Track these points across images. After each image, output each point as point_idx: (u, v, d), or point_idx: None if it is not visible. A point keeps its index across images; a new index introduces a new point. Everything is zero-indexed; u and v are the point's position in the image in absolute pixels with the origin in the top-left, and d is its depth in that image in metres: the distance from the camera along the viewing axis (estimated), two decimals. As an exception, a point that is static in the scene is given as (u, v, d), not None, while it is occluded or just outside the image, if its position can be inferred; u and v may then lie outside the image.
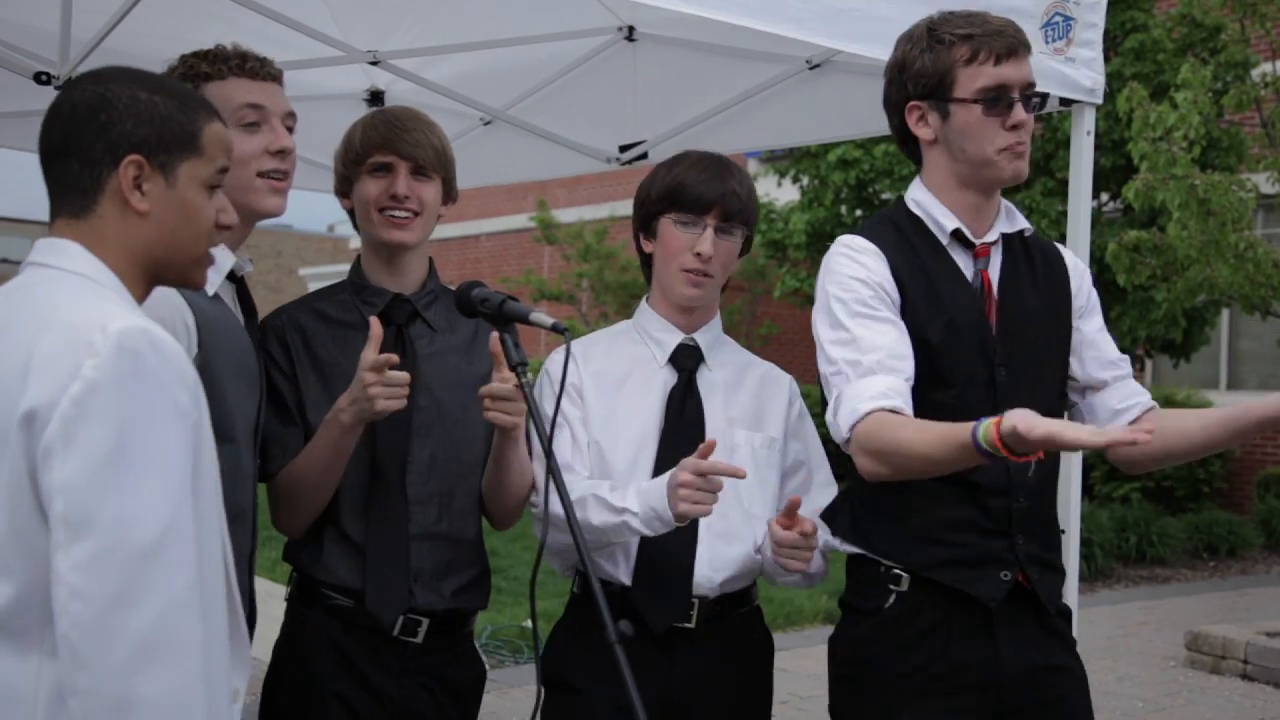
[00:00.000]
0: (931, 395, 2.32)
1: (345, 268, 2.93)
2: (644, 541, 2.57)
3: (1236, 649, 7.19)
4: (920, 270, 2.40)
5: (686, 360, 2.71)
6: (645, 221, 2.72)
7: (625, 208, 4.12)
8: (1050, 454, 2.48)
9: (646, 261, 2.77)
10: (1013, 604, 2.39)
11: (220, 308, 2.30)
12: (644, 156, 4.26)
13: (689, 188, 2.63)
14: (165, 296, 1.97)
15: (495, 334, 2.38)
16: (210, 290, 2.26)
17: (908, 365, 2.30)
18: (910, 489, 2.36)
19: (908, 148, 2.50)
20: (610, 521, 2.50)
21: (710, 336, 2.75)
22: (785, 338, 14.82)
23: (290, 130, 2.43)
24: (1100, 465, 11.41)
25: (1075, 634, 2.61)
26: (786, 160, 12.70)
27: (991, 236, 2.46)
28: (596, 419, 2.66)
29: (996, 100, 2.34)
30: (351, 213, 2.73)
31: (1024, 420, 1.96)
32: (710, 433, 2.65)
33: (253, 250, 2.48)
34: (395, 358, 2.41)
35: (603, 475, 2.64)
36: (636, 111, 4.17)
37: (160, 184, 1.77)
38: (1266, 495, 11.60)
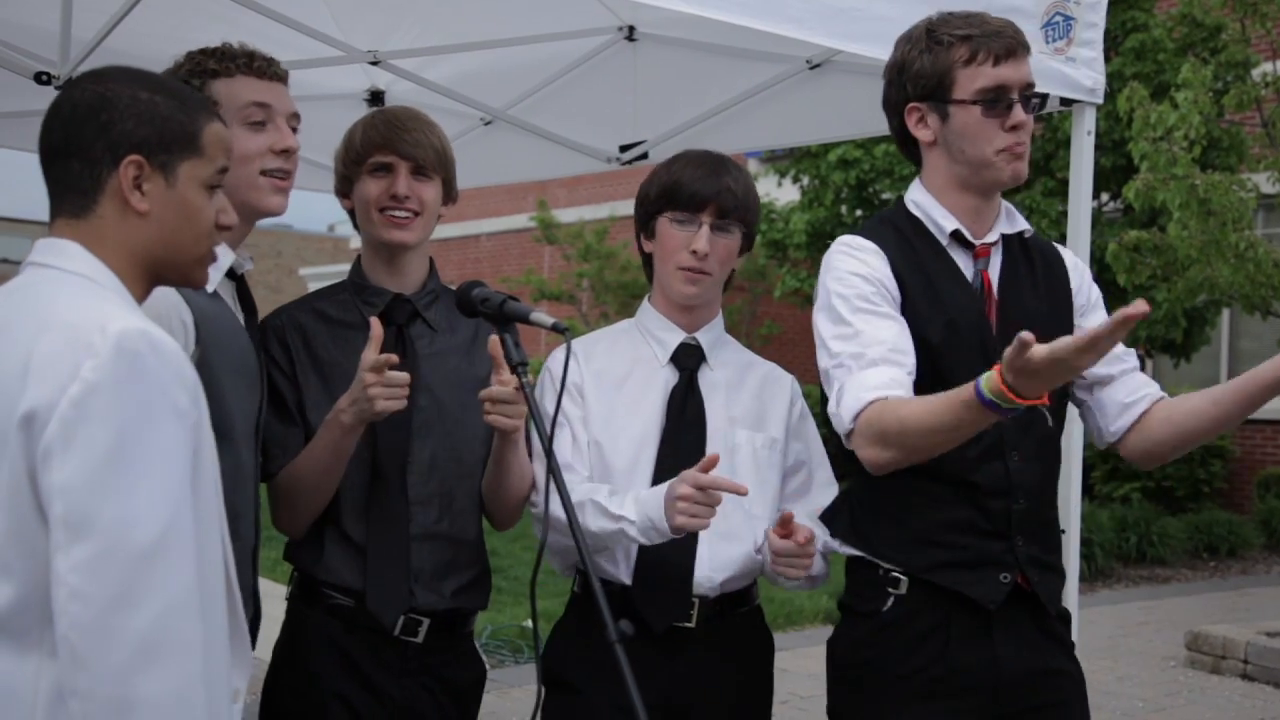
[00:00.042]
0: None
1: (345, 267, 2.93)
2: (644, 541, 2.57)
3: (1237, 649, 7.19)
4: (920, 271, 2.40)
5: (688, 359, 2.71)
6: (644, 221, 2.73)
7: (625, 208, 4.12)
8: (1050, 449, 2.48)
9: (648, 261, 2.77)
10: (1012, 606, 2.38)
11: (219, 305, 2.30)
12: (644, 156, 4.26)
13: (684, 186, 2.64)
14: (162, 294, 1.97)
15: (494, 337, 2.38)
16: (209, 288, 2.26)
17: (910, 360, 2.30)
18: (909, 490, 2.36)
19: (908, 149, 2.50)
20: (607, 528, 2.50)
21: (712, 336, 2.75)
22: (786, 338, 14.82)
23: (294, 131, 2.44)
24: (1101, 465, 11.41)
25: (1075, 635, 2.61)
26: (787, 160, 12.70)
27: (991, 237, 2.45)
28: (597, 418, 2.66)
29: (996, 101, 2.34)
30: (352, 213, 2.73)
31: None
32: (711, 432, 2.66)
33: (253, 250, 2.49)
34: (395, 358, 2.42)
35: (603, 474, 2.64)
36: (637, 111, 4.17)
37: (160, 184, 1.77)
38: (1267, 495, 11.60)
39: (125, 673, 1.54)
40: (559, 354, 2.46)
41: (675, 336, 2.72)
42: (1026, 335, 1.96)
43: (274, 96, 2.41)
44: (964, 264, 2.43)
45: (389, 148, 2.62)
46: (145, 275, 1.80)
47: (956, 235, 2.43)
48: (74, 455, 1.56)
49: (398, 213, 2.62)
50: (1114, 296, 10.19)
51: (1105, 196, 11.04)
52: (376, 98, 4.26)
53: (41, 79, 3.57)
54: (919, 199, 2.46)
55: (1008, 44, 2.35)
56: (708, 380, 2.71)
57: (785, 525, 2.47)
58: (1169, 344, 10.90)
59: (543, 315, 2.27)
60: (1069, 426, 2.61)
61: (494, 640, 7.07)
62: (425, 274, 2.73)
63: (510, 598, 7.82)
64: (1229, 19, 9.68)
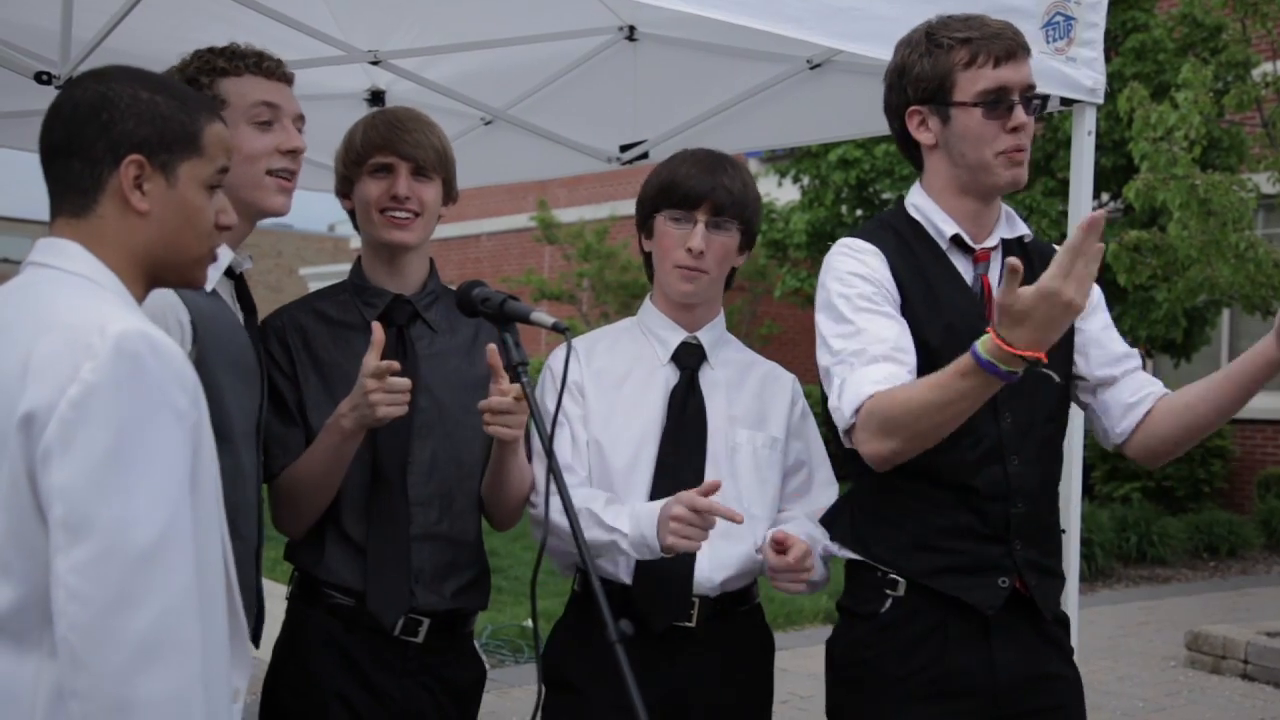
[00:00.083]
0: None
1: (346, 267, 2.93)
2: (644, 541, 2.57)
3: (1237, 649, 7.19)
4: (920, 274, 2.40)
5: (689, 358, 2.71)
6: (643, 220, 2.73)
7: (626, 207, 4.13)
8: (1050, 453, 2.48)
9: (648, 260, 2.77)
10: (1010, 610, 2.38)
11: (218, 305, 2.31)
12: (645, 156, 4.26)
13: (679, 184, 2.64)
14: (159, 294, 1.97)
15: (492, 346, 2.39)
16: (208, 287, 2.27)
17: (911, 358, 2.30)
18: (908, 495, 2.36)
19: (909, 153, 2.50)
20: (600, 539, 2.50)
21: (713, 335, 2.75)
22: (786, 337, 14.82)
23: (299, 132, 2.45)
24: (1101, 465, 11.41)
25: (1075, 635, 2.60)
26: (787, 160, 12.70)
27: (991, 242, 2.45)
28: (597, 417, 2.66)
29: (997, 103, 2.34)
30: (352, 213, 2.73)
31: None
32: (712, 431, 2.66)
33: (253, 249, 2.49)
34: (397, 365, 2.42)
35: (602, 474, 2.64)
36: (637, 111, 4.17)
37: (161, 184, 1.77)
38: (1267, 495, 11.60)
39: (125, 674, 1.54)
40: (560, 352, 2.46)
41: (676, 335, 2.72)
42: (1014, 262, 1.98)
43: (281, 97, 2.42)
44: (964, 268, 2.43)
45: (389, 148, 2.62)
46: (145, 275, 1.80)
47: (956, 240, 2.43)
48: (73, 456, 1.56)
49: (398, 213, 2.62)
50: (1114, 296, 10.21)
51: (1106, 196, 11.04)
52: (377, 97, 4.26)
53: (42, 79, 3.57)
54: (919, 202, 2.46)
55: (1007, 46, 2.35)
56: (709, 379, 2.71)
57: (780, 545, 2.46)
58: (1169, 344, 10.91)
59: (543, 315, 2.27)
60: (1069, 427, 2.61)
61: (494, 640, 7.07)
62: (425, 274, 2.73)
63: (510, 597, 7.82)
64: (1229, 19, 9.68)
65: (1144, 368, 2.56)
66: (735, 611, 2.66)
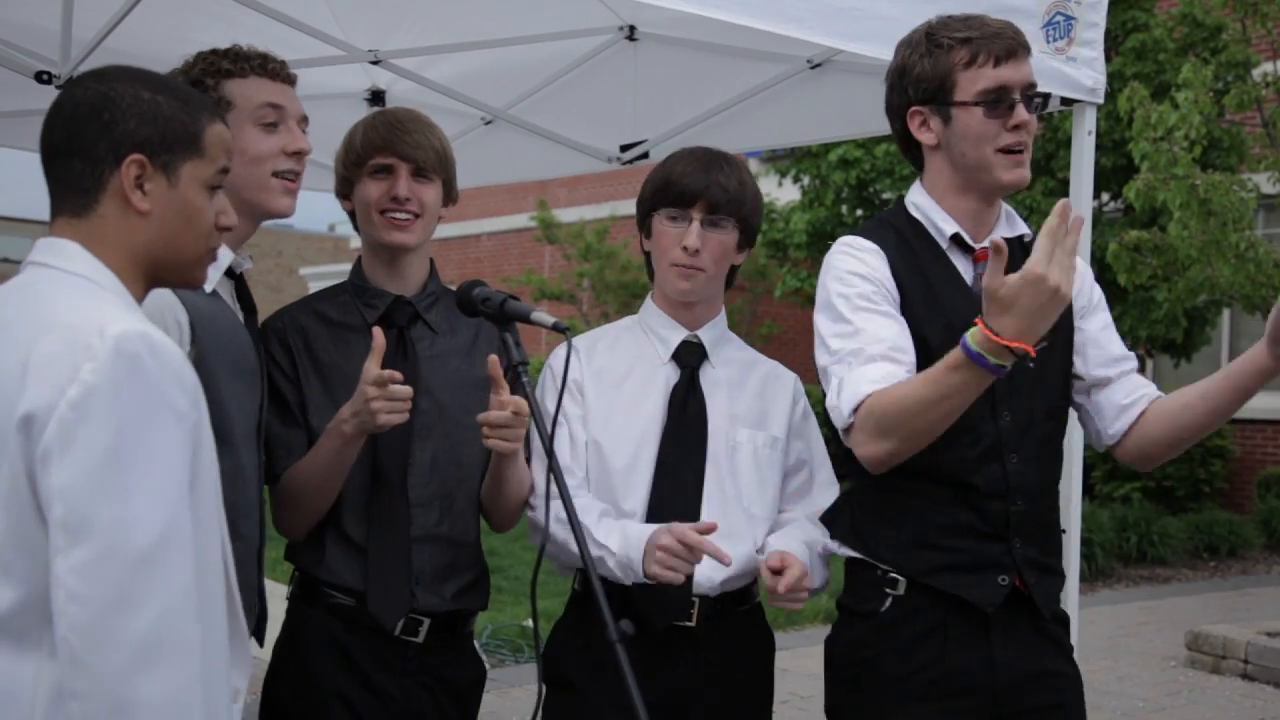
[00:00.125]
0: None
1: (346, 267, 2.93)
2: (644, 541, 2.57)
3: (1237, 649, 7.19)
4: (919, 273, 2.40)
5: (690, 357, 2.71)
6: (642, 219, 2.74)
7: (626, 207, 4.13)
8: (1050, 451, 2.48)
9: (649, 260, 2.77)
10: (1009, 608, 2.38)
11: (218, 305, 2.31)
12: (645, 156, 4.26)
13: (674, 182, 2.64)
14: (158, 294, 1.97)
15: (493, 357, 2.39)
16: (208, 287, 2.27)
17: (909, 358, 2.30)
18: (908, 493, 2.36)
19: (911, 154, 2.50)
20: (589, 554, 2.51)
21: (714, 333, 2.75)
22: (786, 337, 14.82)
23: (303, 133, 2.45)
24: (1101, 465, 11.41)
25: (1076, 634, 2.60)
26: (787, 160, 12.70)
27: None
28: (597, 416, 2.66)
29: (998, 102, 2.33)
30: (352, 214, 2.73)
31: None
32: (712, 430, 2.66)
33: (253, 249, 2.49)
34: (399, 375, 2.42)
35: (602, 473, 2.64)
36: (637, 111, 4.17)
37: (162, 184, 1.77)
38: (1267, 495, 11.60)
39: (125, 674, 1.54)
40: (561, 351, 2.46)
41: (677, 334, 2.72)
42: (999, 242, 1.98)
43: (286, 98, 2.42)
44: (964, 268, 2.43)
45: (389, 149, 2.62)
46: (145, 275, 1.80)
47: (956, 239, 2.43)
48: (73, 457, 1.56)
49: (398, 214, 2.62)
50: (1114, 296, 10.22)
51: (1106, 196, 11.04)
52: (377, 97, 4.26)
53: (42, 78, 3.57)
54: (919, 201, 2.46)
55: (1008, 45, 2.35)
56: (709, 378, 2.71)
57: (775, 571, 2.45)
58: (1169, 344, 10.91)
59: (543, 314, 2.28)
60: (1070, 426, 2.61)
61: (494, 640, 7.07)
62: (426, 275, 2.73)
63: (510, 597, 7.82)
64: (1230, 19, 9.69)
65: (1144, 368, 2.56)
66: (735, 611, 2.66)
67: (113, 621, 1.54)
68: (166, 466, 1.61)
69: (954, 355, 2.10)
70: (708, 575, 2.58)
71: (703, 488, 2.63)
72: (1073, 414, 2.63)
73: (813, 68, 3.72)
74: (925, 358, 2.32)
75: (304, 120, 2.47)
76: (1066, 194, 3.11)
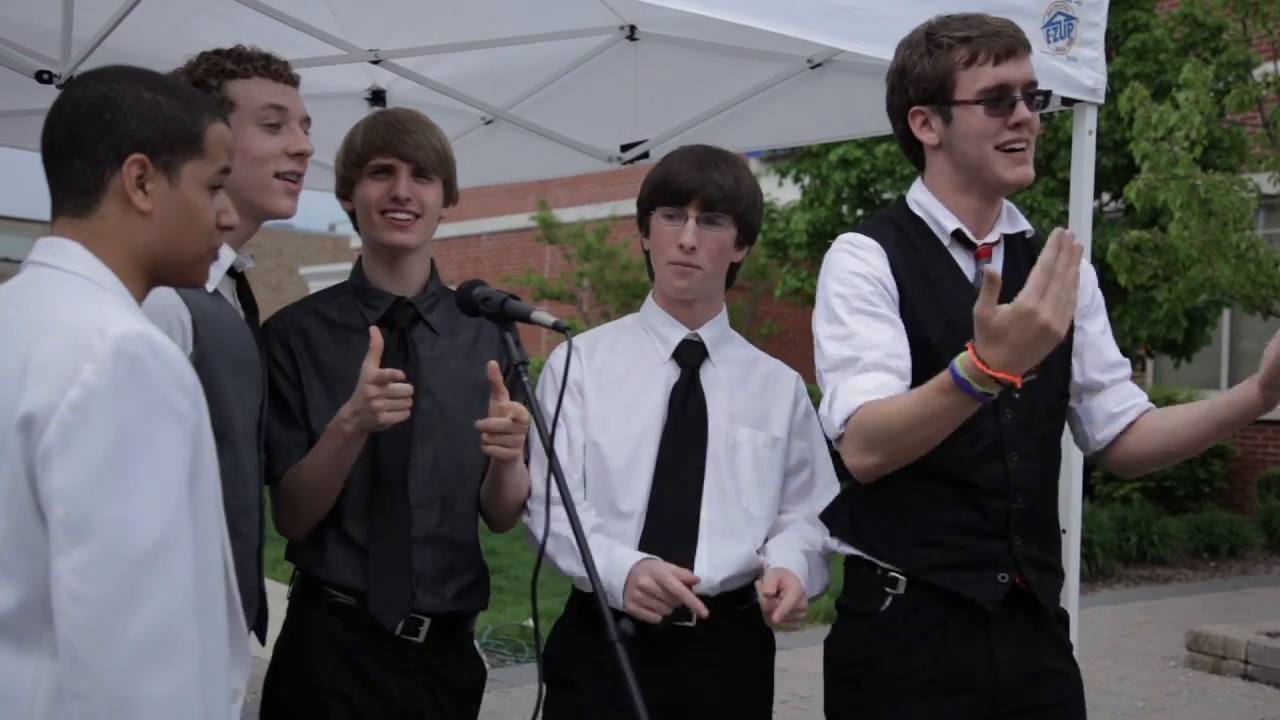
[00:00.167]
0: None
1: (346, 267, 2.93)
2: (644, 541, 2.57)
3: (1237, 649, 7.19)
4: (920, 270, 2.40)
5: (690, 355, 2.70)
6: (641, 218, 2.74)
7: (626, 207, 4.13)
8: (1050, 449, 2.48)
9: (649, 259, 2.77)
10: (1010, 606, 2.38)
11: (220, 304, 2.31)
12: (645, 156, 4.26)
13: (670, 180, 2.64)
14: (161, 294, 1.97)
15: (492, 363, 2.41)
16: (210, 286, 2.27)
17: (904, 364, 2.30)
18: (908, 490, 2.36)
19: (912, 154, 2.50)
20: (575, 572, 2.53)
21: (715, 332, 2.74)
22: (786, 337, 14.83)
23: (305, 135, 2.45)
24: (1101, 465, 11.40)
25: (1076, 634, 2.60)
26: (788, 160, 12.70)
27: (993, 237, 2.45)
28: (597, 416, 2.66)
29: (999, 100, 2.33)
30: (352, 215, 2.73)
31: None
32: (712, 429, 2.65)
33: (254, 249, 2.49)
34: (399, 373, 2.42)
35: (601, 474, 2.63)
36: (638, 111, 4.17)
37: (163, 184, 1.77)
38: (1267, 495, 11.60)
39: (126, 674, 1.54)
40: (561, 351, 2.46)
41: (678, 333, 2.72)
42: (993, 272, 1.95)
43: (289, 99, 2.43)
44: (965, 264, 2.43)
45: (390, 150, 2.62)
46: (145, 275, 1.80)
47: (958, 235, 2.42)
48: (74, 458, 1.56)
49: (399, 215, 2.62)
50: (1114, 296, 10.22)
51: (1106, 196, 11.04)
52: (377, 97, 4.26)
53: (43, 78, 3.57)
54: (921, 199, 2.46)
55: (1007, 43, 2.35)
56: (710, 377, 2.70)
57: (772, 594, 2.44)
58: (1169, 344, 10.91)
59: (544, 314, 2.28)
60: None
61: (494, 640, 7.07)
62: (426, 276, 2.73)
63: (510, 597, 7.82)
64: (1230, 19, 9.69)
65: (1144, 368, 2.57)
66: (735, 611, 2.66)
67: (114, 622, 1.54)
68: (167, 467, 1.61)
69: (943, 378, 2.09)
70: (707, 575, 2.58)
71: (703, 487, 2.62)
72: (1074, 413, 2.64)
73: (813, 68, 3.72)
74: (926, 355, 2.32)
75: (306, 121, 2.47)
76: (1067, 194, 3.11)
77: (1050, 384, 2.44)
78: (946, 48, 2.36)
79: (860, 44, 2.72)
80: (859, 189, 11.93)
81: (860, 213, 12.10)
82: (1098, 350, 2.51)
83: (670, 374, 2.69)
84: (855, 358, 2.29)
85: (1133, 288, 8.19)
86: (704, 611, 2.40)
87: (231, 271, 2.39)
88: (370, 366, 2.39)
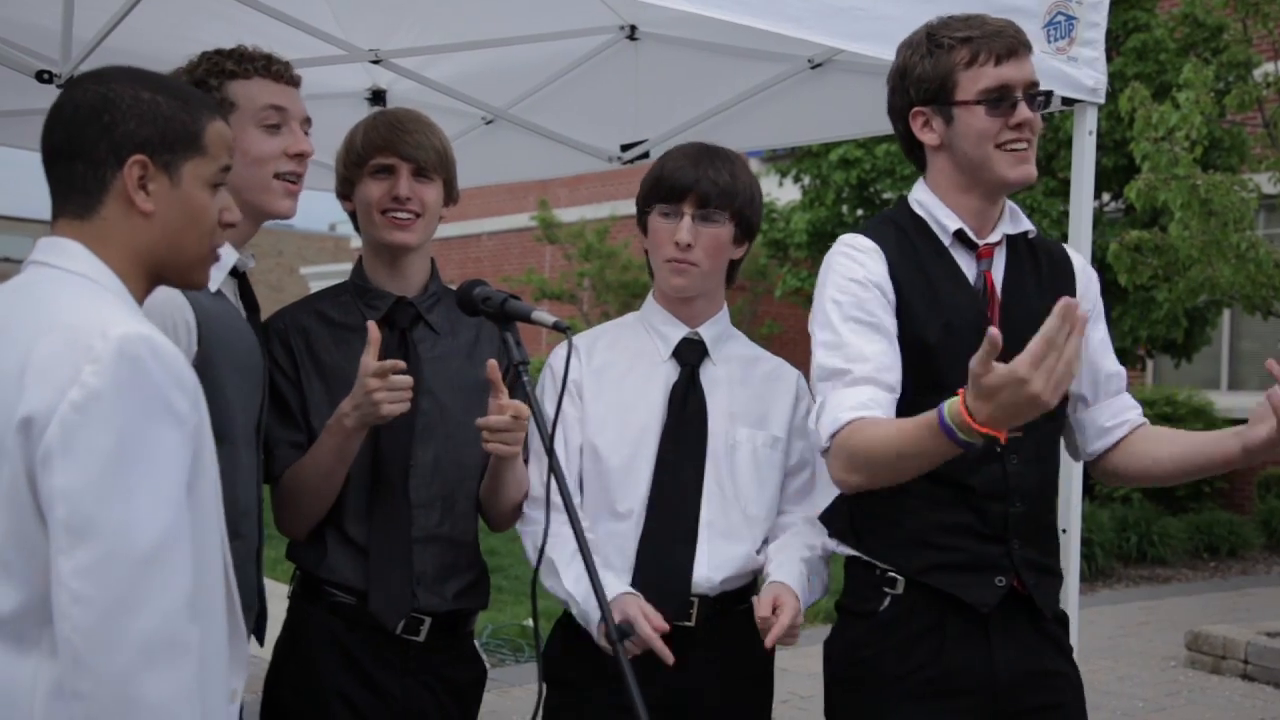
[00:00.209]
0: (927, 400, 2.28)
1: (346, 267, 2.93)
2: (643, 540, 2.58)
3: (1237, 649, 7.19)
4: (920, 271, 2.39)
5: (690, 354, 2.70)
6: (640, 217, 2.73)
7: (627, 207, 4.13)
8: (1050, 452, 2.48)
9: (650, 258, 2.77)
10: (1008, 609, 2.38)
11: (223, 304, 2.31)
12: (645, 156, 4.26)
13: (665, 177, 2.64)
14: (166, 295, 1.97)
15: (491, 361, 2.40)
16: (213, 287, 2.27)
17: (893, 377, 2.29)
18: (906, 492, 2.35)
19: (914, 155, 2.50)
20: (558, 592, 2.54)
21: (716, 330, 2.74)
22: (786, 337, 14.83)
23: (306, 135, 2.45)
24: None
25: (1075, 634, 2.60)
26: (788, 160, 12.70)
27: (994, 237, 2.45)
28: (595, 416, 2.66)
29: (1000, 100, 2.33)
30: (353, 215, 2.73)
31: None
32: (712, 429, 2.65)
33: (254, 249, 2.49)
34: (401, 364, 2.42)
35: (599, 474, 2.63)
36: (638, 111, 4.17)
37: (165, 184, 1.77)
38: (1267, 495, 11.60)
39: (128, 675, 1.54)
40: (561, 351, 2.46)
41: (678, 331, 2.71)
42: (995, 336, 1.91)
43: (289, 100, 2.43)
44: (966, 265, 2.43)
45: (390, 149, 2.62)
46: (147, 275, 1.80)
47: (960, 235, 2.42)
48: (75, 459, 1.56)
49: (399, 214, 2.62)
50: (1114, 296, 10.22)
51: (1107, 196, 11.03)
52: (378, 96, 4.26)
53: (43, 77, 3.57)
54: (923, 198, 2.46)
55: (1008, 43, 2.35)
56: (710, 376, 2.70)
57: (765, 619, 2.43)
58: (1170, 344, 10.90)
59: (544, 314, 2.28)
60: (1070, 427, 2.61)
61: (494, 639, 7.07)
62: (427, 275, 2.73)
63: (510, 597, 7.82)
64: (1231, 19, 9.68)
65: (1144, 368, 2.57)
66: (735, 611, 2.66)
67: (116, 623, 1.54)
68: (167, 469, 1.61)
69: (930, 419, 2.05)
70: (707, 575, 2.59)
71: (703, 486, 2.62)
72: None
73: (813, 67, 3.72)
74: (922, 356, 2.32)
75: (307, 122, 2.47)
76: (1067, 194, 3.11)
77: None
78: (947, 48, 2.35)
79: (860, 44, 2.72)
80: (859, 189, 11.92)
81: (860, 213, 12.10)
82: (1094, 362, 2.51)
83: (670, 373, 2.69)
84: (845, 370, 2.28)
85: (1133, 288, 8.18)
86: (670, 660, 2.37)
87: (234, 272, 2.39)
88: (369, 359, 2.39)
